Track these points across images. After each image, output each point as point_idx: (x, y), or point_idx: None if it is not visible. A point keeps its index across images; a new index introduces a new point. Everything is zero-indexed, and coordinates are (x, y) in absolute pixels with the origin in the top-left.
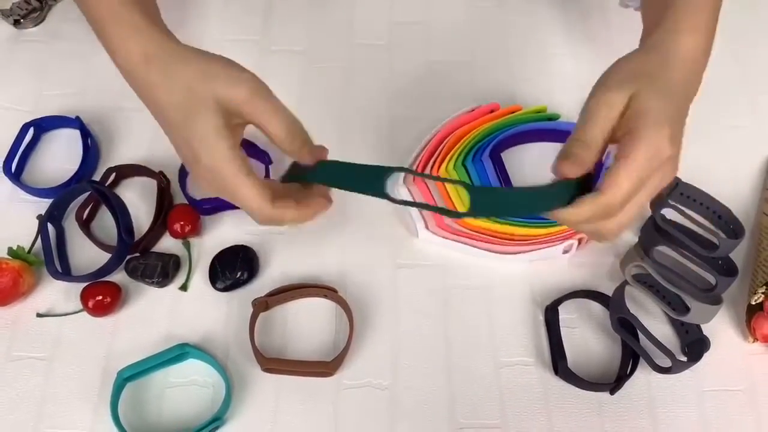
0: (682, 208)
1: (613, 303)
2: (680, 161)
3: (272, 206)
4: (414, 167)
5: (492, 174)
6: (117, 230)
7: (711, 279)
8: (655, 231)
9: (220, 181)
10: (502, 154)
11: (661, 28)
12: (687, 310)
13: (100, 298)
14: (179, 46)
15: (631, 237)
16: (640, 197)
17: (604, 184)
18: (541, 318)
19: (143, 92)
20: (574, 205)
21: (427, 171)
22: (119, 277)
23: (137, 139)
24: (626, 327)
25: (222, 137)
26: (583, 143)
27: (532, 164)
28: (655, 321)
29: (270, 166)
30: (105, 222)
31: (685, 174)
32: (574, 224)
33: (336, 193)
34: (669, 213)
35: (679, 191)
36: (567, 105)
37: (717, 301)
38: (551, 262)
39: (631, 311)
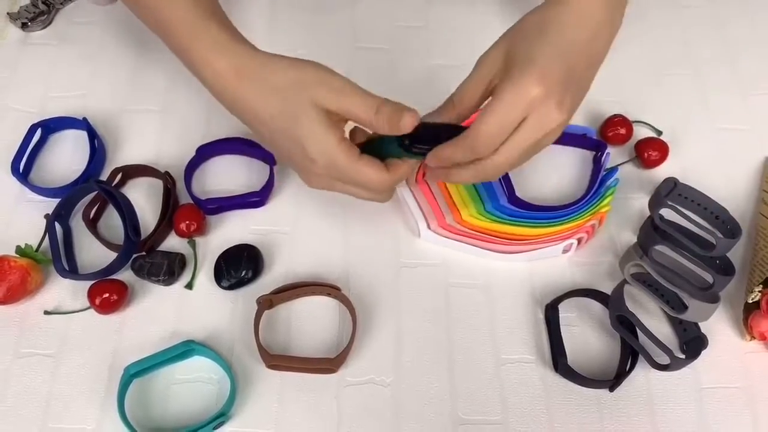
0: (680, 208)
1: (613, 301)
2: (669, 166)
3: (390, 174)
4: (415, 174)
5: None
6: (123, 229)
7: (708, 278)
8: (653, 231)
9: (337, 173)
10: None
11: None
12: (685, 308)
13: (107, 295)
14: (265, 56)
15: (629, 236)
16: (516, 139)
17: (473, 125)
18: (542, 316)
19: (238, 107)
20: (439, 146)
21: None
22: (126, 275)
23: (143, 140)
24: (625, 325)
25: (330, 131)
26: (450, 100)
27: (537, 168)
28: (653, 319)
29: (274, 167)
30: (111, 221)
31: (683, 175)
32: (444, 162)
33: (339, 195)
34: (667, 213)
35: (677, 192)
36: None
37: (714, 300)
38: (551, 261)
39: (630, 309)
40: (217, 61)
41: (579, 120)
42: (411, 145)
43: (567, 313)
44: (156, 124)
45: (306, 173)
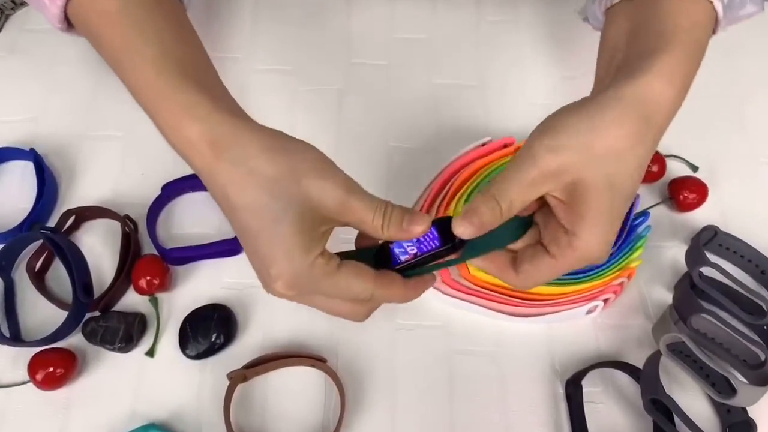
0: (722, 265)
1: (645, 380)
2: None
3: (380, 285)
4: (415, 208)
5: None
6: (72, 288)
7: (760, 353)
8: (691, 291)
9: (309, 295)
10: None
11: (633, 88)
12: (733, 392)
13: (51, 369)
14: (253, 131)
15: (662, 294)
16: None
17: (524, 267)
18: (562, 391)
19: (210, 186)
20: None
21: (432, 214)
22: (76, 339)
23: (102, 173)
24: (660, 407)
25: (310, 252)
26: (497, 204)
27: None
28: (689, 395)
29: None
30: (62, 272)
31: (723, 221)
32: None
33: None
34: (707, 269)
35: (717, 242)
36: None
37: (766, 381)
38: (572, 324)
39: (665, 387)
40: (187, 126)
41: None
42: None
43: (591, 387)
44: (118, 153)
45: (272, 290)
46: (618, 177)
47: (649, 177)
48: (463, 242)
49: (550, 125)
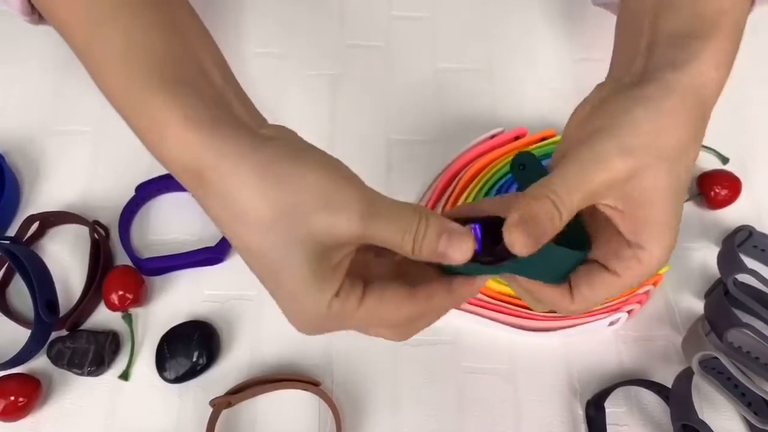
0: (758, 267)
1: (676, 403)
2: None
3: (416, 303)
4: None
5: None
6: (33, 306)
7: None
8: (725, 300)
9: (339, 326)
10: None
11: (685, 81)
12: None
13: (12, 399)
14: (241, 156)
15: (691, 302)
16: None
17: (581, 290)
18: (581, 413)
19: (206, 208)
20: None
21: (437, 212)
22: (41, 362)
23: (70, 172)
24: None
25: (323, 293)
26: (557, 211)
27: None
28: (725, 416)
29: None
30: (25, 286)
31: (758, 219)
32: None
33: None
34: (742, 275)
35: (752, 244)
36: None
37: None
38: (593, 336)
39: (696, 407)
40: (165, 147)
41: None
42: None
43: (614, 407)
44: (86, 150)
45: (298, 326)
46: (680, 179)
47: None
48: (507, 256)
49: (615, 120)
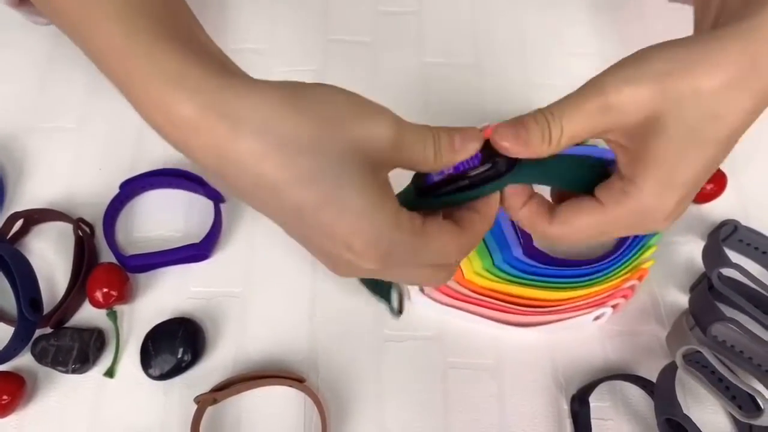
0: (743, 261)
1: (660, 398)
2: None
3: (464, 231)
4: None
5: (503, 214)
6: (17, 304)
7: None
8: (710, 295)
9: (396, 260)
10: None
11: (737, 22)
12: (758, 411)
13: None
14: (263, 88)
15: (677, 296)
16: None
17: (561, 216)
18: (566, 408)
19: (226, 170)
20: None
21: None
22: (25, 360)
23: (54, 169)
24: (676, 427)
25: (389, 207)
26: (545, 122)
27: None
28: (710, 411)
29: (222, 206)
30: (8, 284)
31: (744, 214)
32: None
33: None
34: (727, 270)
35: (737, 238)
36: None
37: None
38: (578, 331)
39: (681, 401)
40: (179, 102)
41: None
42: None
43: (599, 402)
44: (72, 147)
45: (341, 263)
46: (703, 125)
47: None
48: (510, 165)
49: (632, 56)
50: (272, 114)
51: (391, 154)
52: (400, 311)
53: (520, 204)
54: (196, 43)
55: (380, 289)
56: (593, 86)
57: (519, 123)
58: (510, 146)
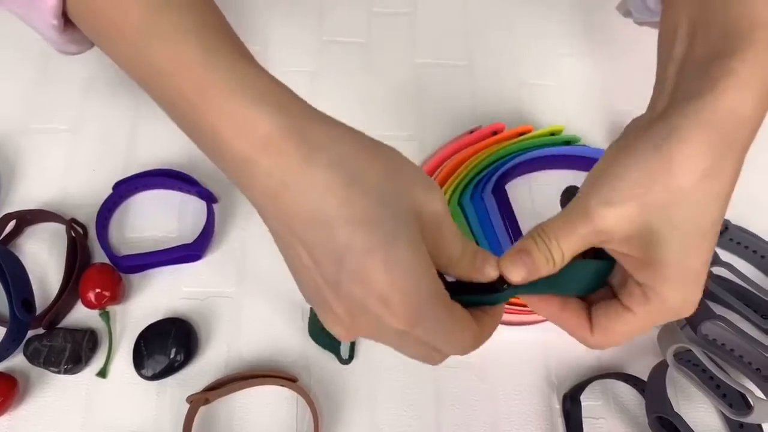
0: (733, 260)
1: (651, 395)
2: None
3: (479, 327)
4: None
5: (495, 214)
6: (9, 305)
7: None
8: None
9: (418, 324)
10: (507, 187)
11: (703, 99)
12: (748, 408)
13: None
14: (338, 124)
15: None
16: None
17: (600, 323)
18: (558, 406)
19: (287, 198)
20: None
21: None
22: (18, 360)
23: (48, 171)
24: (666, 425)
25: (432, 273)
26: (547, 249)
27: (544, 199)
28: (701, 409)
29: (214, 206)
30: (0, 285)
31: (735, 213)
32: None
33: None
34: (717, 269)
35: (727, 237)
36: (586, 120)
37: None
38: None
39: (672, 399)
40: (260, 120)
41: (607, 140)
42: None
43: (591, 401)
44: (65, 148)
45: (362, 317)
46: (694, 220)
47: None
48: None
49: (607, 169)
50: (349, 151)
51: (431, 231)
52: (350, 358)
53: (556, 310)
54: (263, 68)
55: (329, 340)
56: (579, 212)
57: (522, 252)
58: (523, 279)
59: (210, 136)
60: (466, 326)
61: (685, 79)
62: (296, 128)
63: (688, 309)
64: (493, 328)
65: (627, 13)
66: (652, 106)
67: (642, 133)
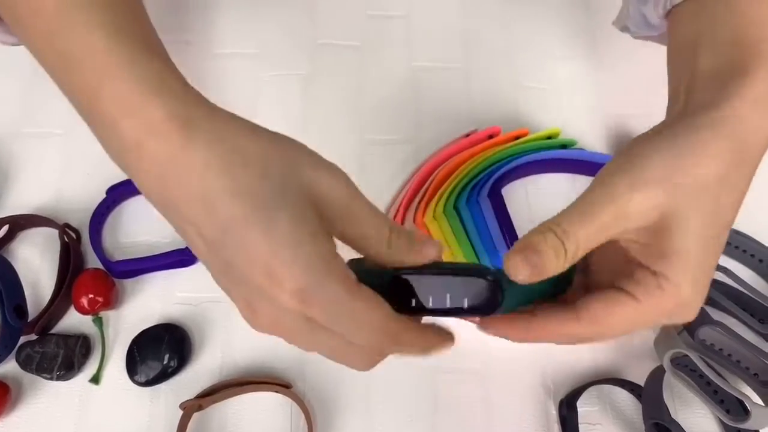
0: (731, 264)
1: (647, 401)
2: None
3: (401, 324)
4: (391, 209)
5: (491, 218)
6: (0, 311)
7: None
8: None
9: (317, 307)
10: (503, 191)
11: (726, 106)
12: (746, 414)
13: None
14: (235, 116)
15: None
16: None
17: (592, 312)
18: (555, 412)
19: (174, 179)
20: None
21: (410, 215)
22: (10, 367)
23: (41, 175)
24: (663, 431)
25: (325, 243)
26: (560, 243)
27: (541, 202)
28: (698, 414)
29: None
30: None
31: None
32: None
33: None
34: (715, 273)
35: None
36: (583, 124)
37: None
38: None
39: (669, 405)
40: (152, 105)
41: (603, 144)
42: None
43: (587, 406)
44: (57, 152)
45: (258, 302)
46: (715, 215)
47: None
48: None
49: (630, 157)
50: (230, 129)
51: (340, 216)
52: None
53: (526, 321)
54: (167, 56)
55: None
56: (603, 195)
57: (528, 248)
58: (526, 278)
59: (106, 123)
60: (378, 313)
61: (697, 92)
62: (183, 114)
63: (694, 308)
64: (436, 344)
65: (624, 29)
66: (666, 116)
67: (665, 129)
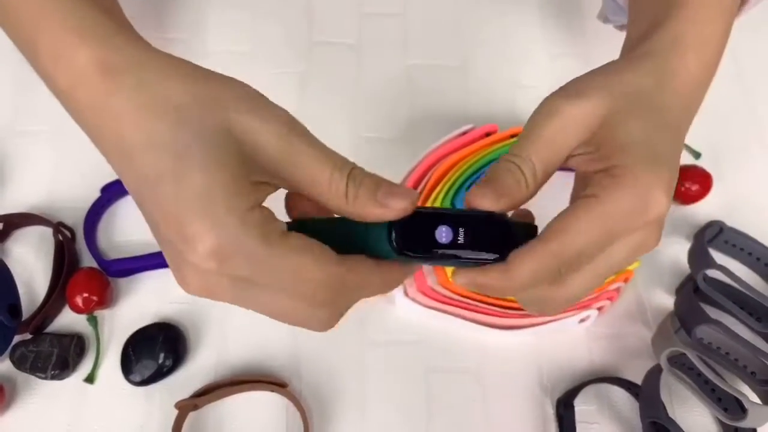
0: (728, 262)
1: (645, 400)
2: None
3: (342, 266)
4: None
5: None
6: None
7: None
8: (695, 297)
9: (236, 266)
10: None
11: (657, 35)
12: (743, 412)
13: None
14: (166, 57)
15: (663, 298)
16: (601, 263)
17: (555, 226)
18: (552, 411)
19: (98, 131)
20: (510, 260)
21: None
22: (4, 366)
23: (34, 173)
24: (661, 430)
25: (237, 199)
26: (515, 165)
27: (536, 199)
28: (696, 412)
29: None
30: None
31: (729, 214)
32: (509, 291)
33: None
34: (712, 271)
35: (723, 239)
36: None
37: None
38: (563, 334)
39: (666, 403)
40: (75, 51)
41: None
42: (405, 248)
43: (584, 405)
44: (52, 150)
45: (183, 265)
46: (654, 108)
47: None
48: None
49: (570, 81)
50: (154, 74)
51: (277, 162)
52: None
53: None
54: (115, 14)
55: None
56: (543, 114)
57: (488, 179)
58: (492, 204)
59: (47, 73)
60: (308, 261)
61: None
62: (107, 60)
63: (659, 201)
64: (380, 287)
65: (605, 20)
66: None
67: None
